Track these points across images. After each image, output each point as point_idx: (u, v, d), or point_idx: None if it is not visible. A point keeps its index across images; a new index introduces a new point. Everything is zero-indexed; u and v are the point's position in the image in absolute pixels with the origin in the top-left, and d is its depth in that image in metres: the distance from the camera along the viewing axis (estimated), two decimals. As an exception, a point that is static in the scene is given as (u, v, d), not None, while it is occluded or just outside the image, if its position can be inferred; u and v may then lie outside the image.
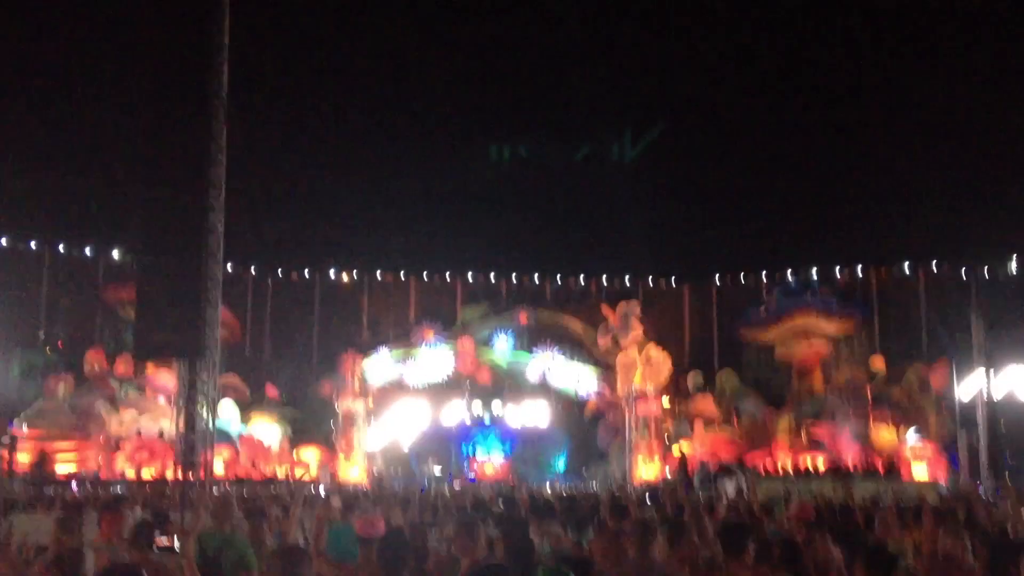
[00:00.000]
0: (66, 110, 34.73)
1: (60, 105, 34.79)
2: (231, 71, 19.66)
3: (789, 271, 35.85)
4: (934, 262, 33.51)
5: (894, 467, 29.68)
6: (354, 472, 34.20)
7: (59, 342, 34.94)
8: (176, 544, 6.22)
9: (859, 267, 34.62)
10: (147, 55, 20.43)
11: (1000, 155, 34.70)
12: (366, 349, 36.97)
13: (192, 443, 19.30)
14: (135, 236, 21.89)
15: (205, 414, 19.39)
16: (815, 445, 33.75)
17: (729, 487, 23.97)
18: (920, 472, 31.30)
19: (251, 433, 34.04)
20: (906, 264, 33.96)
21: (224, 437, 30.76)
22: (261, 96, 33.51)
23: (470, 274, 37.77)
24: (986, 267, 32.87)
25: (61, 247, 32.79)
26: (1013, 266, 32.64)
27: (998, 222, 32.96)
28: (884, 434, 33.41)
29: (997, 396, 31.85)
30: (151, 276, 19.33)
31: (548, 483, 29.73)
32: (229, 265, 27.78)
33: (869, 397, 34.85)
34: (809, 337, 36.63)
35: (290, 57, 38.35)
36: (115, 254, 33.56)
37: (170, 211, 19.18)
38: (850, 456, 32.05)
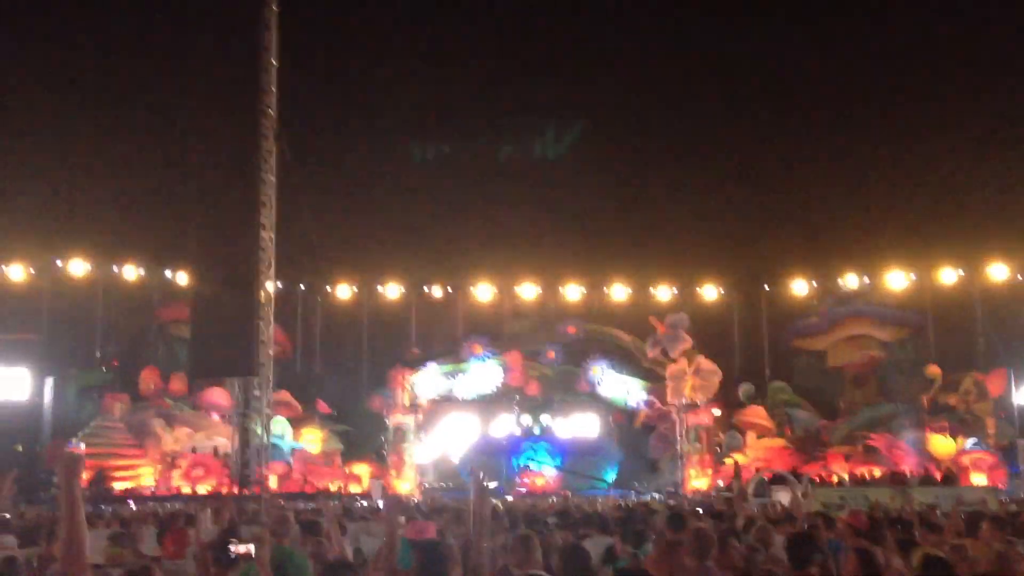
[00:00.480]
0: (117, 131, 35.42)
1: (110, 127, 35.47)
2: (280, 87, 19.96)
3: (841, 278, 35.35)
4: (989, 267, 32.85)
5: (952, 475, 29.14)
6: (405, 486, 34.32)
7: (114, 361, 35.59)
8: (253, 551, 6.30)
9: (912, 273, 34.01)
10: (196, 74, 20.79)
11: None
12: (415, 364, 37.18)
13: (247, 459, 19.52)
14: (188, 256, 22.24)
15: (260, 430, 19.60)
16: (870, 455, 33.29)
17: (784, 497, 23.65)
18: (979, 481, 30.71)
19: (304, 448, 34.30)
20: (960, 270, 33.33)
21: (277, 453, 31.12)
22: (311, 113, 33.94)
23: (516, 288, 37.78)
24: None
25: (115, 268, 33.34)
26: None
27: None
28: (941, 443, 32.83)
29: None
30: (205, 296, 19.62)
31: (600, 495, 29.60)
32: (279, 282, 28.02)
33: (926, 405, 34.36)
34: (862, 345, 36.23)
35: (339, 73, 38.76)
36: (167, 273, 34.07)
37: (222, 230, 19.47)
38: (907, 465, 31.56)
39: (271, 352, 20.28)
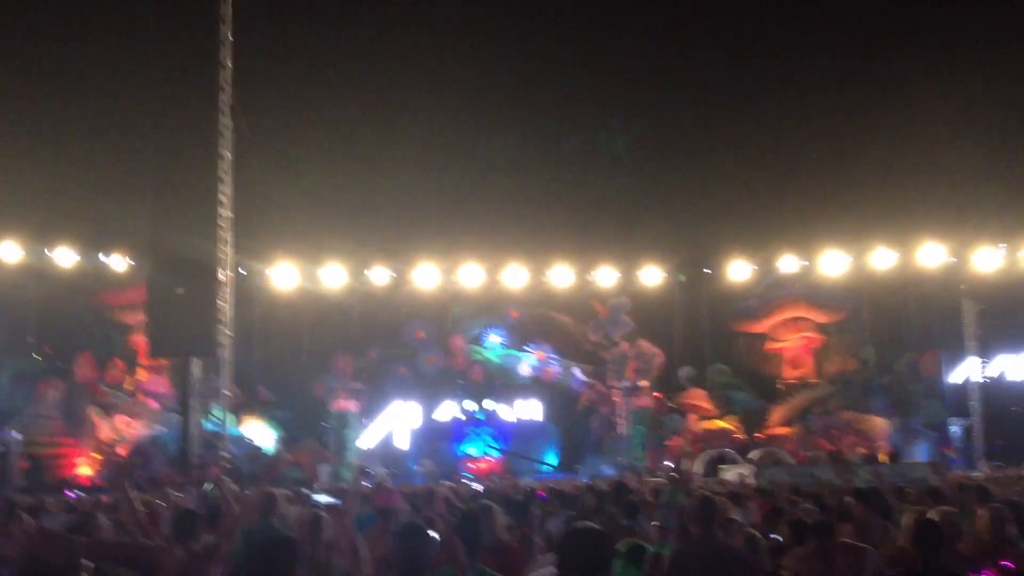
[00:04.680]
0: (51, 108, 34.41)
1: (45, 103, 34.45)
2: (235, 61, 19.57)
3: (779, 260, 35.88)
4: (922, 249, 33.61)
5: (896, 454, 29.91)
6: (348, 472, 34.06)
7: (47, 348, 34.63)
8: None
9: (848, 255, 34.63)
10: (147, 47, 20.21)
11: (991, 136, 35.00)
12: (358, 350, 36.89)
13: (202, 445, 19.22)
14: (141, 235, 21.74)
15: (220, 413, 19.31)
16: (809, 435, 33.99)
17: (730, 476, 24.07)
18: (917, 458, 31.62)
19: (244, 435, 33.79)
20: (895, 252, 34.02)
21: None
22: (270, 91, 33.38)
23: (459, 271, 37.62)
24: (974, 253, 33.04)
25: (48, 251, 32.37)
26: (1002, 252, 32.85)
27: (983, 207, 33.28)
28: (876, 422, 33.71)
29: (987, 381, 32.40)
30: (161, 274, 19.18)
31: (547, 478, 29.73)
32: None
33: (861, 386, 35.21)
34: (800, 327, 36.91)
35: (293, 46, 38.16)
36: (103, 257, 33.16)
37: (178, 208, 19.04)
38: (845, 445, 32.29)
39: (229, 333, 19.91)
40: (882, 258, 34.08)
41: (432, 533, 6.04)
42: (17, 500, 12.72)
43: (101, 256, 33.10)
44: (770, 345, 37.69)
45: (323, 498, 7.37)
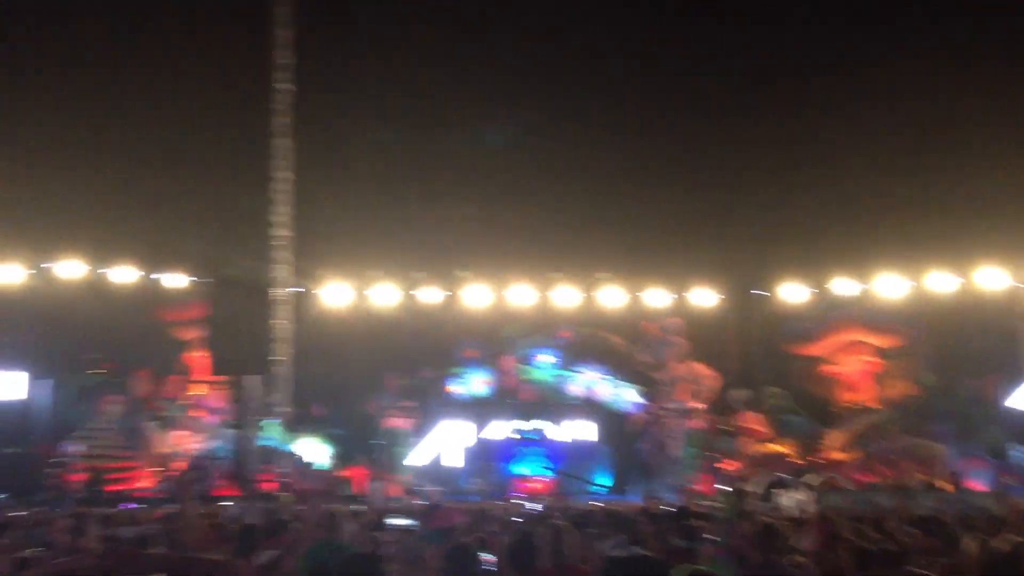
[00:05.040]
0: (113, 131, 35.14)
1: (108, 125, 35.19)
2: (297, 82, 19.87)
3: (834, 283, 35.42)
4: (983, 273, 33.00)
5: (956, 481, 29.29)
6: (400, 489, 34.16)
7: (108, 364, 35.31)
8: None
9: (907, 279, 34.11)
10: (206, 69, 20.67)
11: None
12: (410, 367, 37.04)
13: (255, 460, 19.45)
14: (199, 254, 22.19)
15: (273, 431, 19.54)
16: (867, 460, 33.42)
17: (787, 501, 23.74)
18: (976, 486, 30.92)
19: (298, 452, 34.06)
20: (955, 276, 33.46)
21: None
22: (324, 110, 33.78)
23: (510, 291, 37.64)
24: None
25: (109, 269, 33.08)
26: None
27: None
28: (937, 449, 33.06)
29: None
30: (220, 293, 19.54)
31: (600, 499, 29.54)
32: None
33: (920, 411, 34.58)
34: (859, 351, 36.35)
35: (353, 69, 38.58)
36: (163, 275, 33.79)
37: (237, 227, 19.39)
38: (903, 471, 31.68)
39: (285, 350, 20.18)
40: (941, 281, 33.52)
41: (485, 555, 6.04)
42: (85, 513, 12.94)
43: (160, 274, 33.73)
44: (827, 369, 37.15)
45: (398, 520, 7.42)
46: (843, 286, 35.14)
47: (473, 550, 5.69)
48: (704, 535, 9.64)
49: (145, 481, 31.56)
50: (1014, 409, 33.84)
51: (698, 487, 34.04)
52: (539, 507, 19.68)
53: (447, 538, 7.27)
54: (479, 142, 40.58)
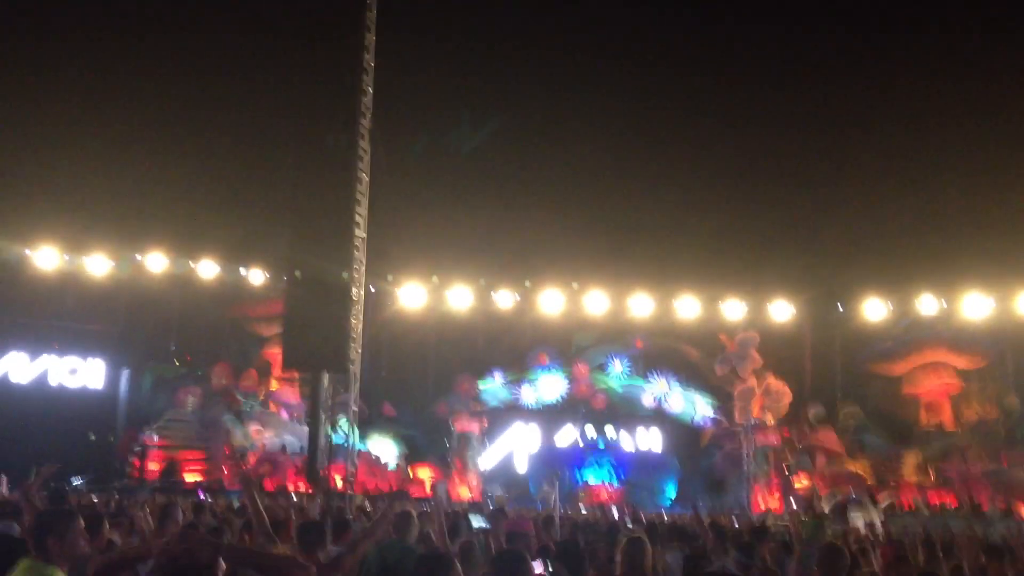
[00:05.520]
0: (201, 128, 36.05)
1: (195, 123, 36.12)
2: (376, 87, 20.17)
3: (917, 301, 34.57)
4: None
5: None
6: (466, 492, 34.34)
7: (187, 356, 36.21)
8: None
9: (992, 299, 33.10)
10: (291, 70, 21.06)
11: None
12: (481, 371, 37.19)
13: (329, 456, 19.78)
14: (280, 250, 22.59)
15: (347, 428, 19.81)
16: (944, 483, 32.55)
17: (859, 521, 23.21)
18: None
19: (368, 451, 34.46)
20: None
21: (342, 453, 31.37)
22: (404, 116, 34.22)
23: (585, 299, 37.56)
24: None
25: (192, 263, 33.86)
26: None
27: None
28: (1018, 474, 32.01)
29: None
30: (298, 289, 19.88)
31: (666, 511, 29.28)
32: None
33: (1003, 436, 33.55)
34: (939, 372, 35.46)
35: (432, 75, 39.03)
36: (243, 271, 34.48)
37: (317, 226, 19.71)
38: (982, 496, 30.79)
39: (359, 350, 20.44)
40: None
41: (536, 564, 6.03)
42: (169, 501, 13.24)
43: (241, 270, 34.42)
44: (907, 389, 36.32)
45: (478, 521, 7.48)
46: (926, 304, 34.26)
47: (523, 556, 5.66)
48: (762, 555, 9.47)
49: (220, 472, 32.22)
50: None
51: (768, 504, 33.59)
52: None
53: (520, 543, 7.25)
54: (560, 152, 40.67)
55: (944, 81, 39.52)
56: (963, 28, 39.87)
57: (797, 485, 33.98)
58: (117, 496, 20.65)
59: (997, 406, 34.77)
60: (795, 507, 28.81)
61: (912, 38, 40.38)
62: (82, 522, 5.52)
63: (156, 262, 33.14)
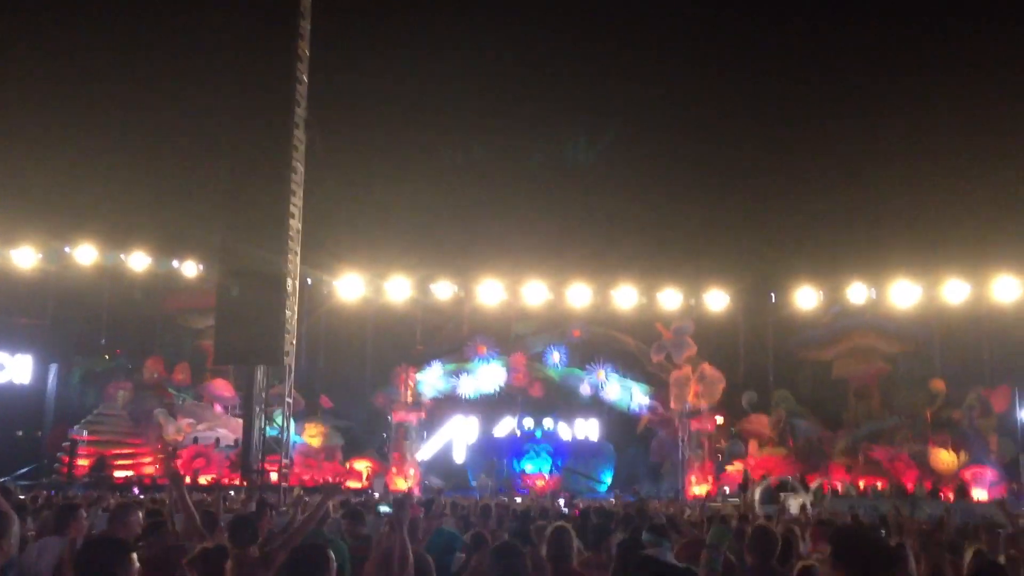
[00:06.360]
0: (130, 120, 35.36)
1: (125, 116, 35.41)
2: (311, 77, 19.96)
3: (847, 289, 35.28)
4: (996, 283, 32.74)
5: (963, 490, 29.14)
6: (405, 483, 34.27)
7: (117, 350, 35.54)
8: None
9: (919, 286, 33.90)
10: (223, 61, 20.76)
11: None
12: (419, 360, 37.10)
13: (261, 450, 19.52)
14: (214, 243, 22.25)
15: (281, 421, 19.59)
16: (872, 467, 33.29)
17: (792, 504, 23.64)
18: (981, 496, 30.73)
19: (305, 443, 34.20)
20: (967, 284, 33.19)
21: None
22: (342, 107, 33.89)
23: (523, 289, 37.65)
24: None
25: (122, 256, 33.20)
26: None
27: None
28: (943, 457, 32.87)
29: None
30: (231, 282, 19.60)
31: (600, 497, 29.54)
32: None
33: (929, 419, 34.38)
34: (867, 358, 36.22)
35: (367, 66, 38.71)
36: (175, 263, 33.93)
37: (251, 218, 19.45)
38: (908, 478, 31.57)
39: (294, 342, 20.24)
40: (954, 290, 33.26)
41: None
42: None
43: (174, 262, 33.87)
44: (836, 374, 37.05)
45: (385, 508, 7.63)
46: (856, 292, 34.95)
47: (519, 548, 5.68)
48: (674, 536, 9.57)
49: (151, 467, 31.73)
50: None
51: (702, 488, 34.05)
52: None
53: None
54: (498, 143, 40.68)
55: (875, 75, 40.43)
56: (894, 22, 40.72)
57: (730, 469, 34.50)
58: (47, 493, 20.20)
59: (924, 390, 35.61)
60: (728, 491, 29.29)
61: (845, 31, 41.12)
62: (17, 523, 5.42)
63: (85, 254, 32.43)
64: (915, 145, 38.30)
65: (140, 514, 9.14)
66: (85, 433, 31.28)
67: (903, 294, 34.24)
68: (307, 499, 18.43)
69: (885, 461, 33.15)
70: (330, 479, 32.09)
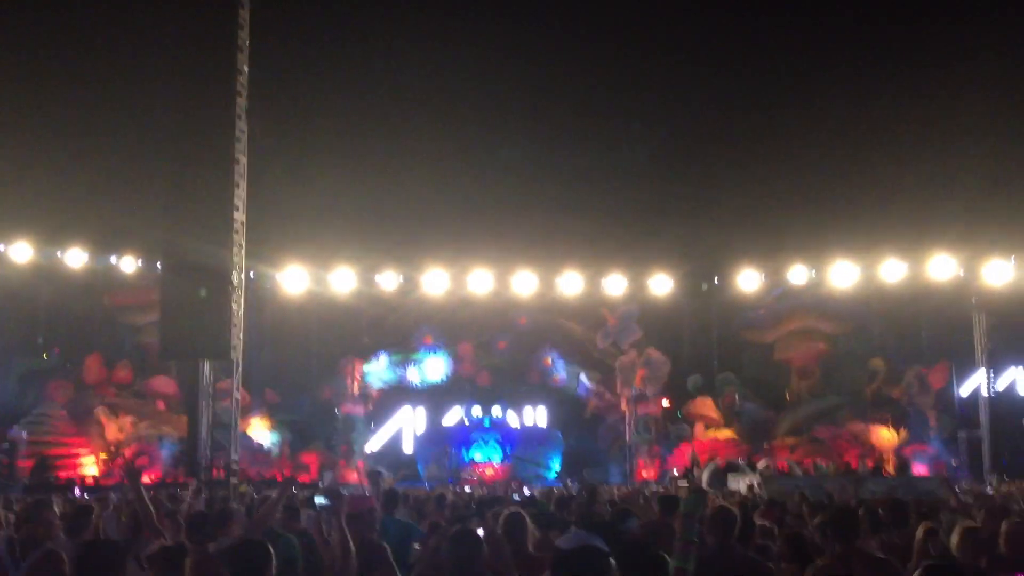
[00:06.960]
0: (63, 112, 34.49)
1: (57, 108, 34.53)
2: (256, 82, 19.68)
3: (788, 271, 35.77)
4: (933, 262, 33.43)
5: (905, 466, 29.85)
6: (354, 476, 34.08)
7: (56, 348, 34.79)
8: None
9: (858, 267, 34.49)
10: (163, 52, 20.36)
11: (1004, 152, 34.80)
12: (366, 353, 36.91)
13: (210, 446, 19.27)
14: (142, 241, 21.87)
15: (229, 417, 19.35)
16: (815, 446, 33.92)
17: (740, 485, 24.00)
18: (921, 471, 31.50)
19: (251, 438, 33.83)
20: (905, 264, 33.84)
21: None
22: (282, 98, 33.43)
23: (468, 278, 37.61)
24: (985, 266, 32.76)
25: (59, 253, 32.41)
26: (1012, 265, 32.54)
27: (996, 220, 33.07)
28: (884, 434, 33.62)
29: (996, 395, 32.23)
30: (175, 276, 19.25)
31: (550, 485, 29.67)
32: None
33: (869, 398, 35.11)
34: (808, 338, 36.83)
35: (309, 54, 38.23)
36: (113, 259, 33.21)
37: (193, 210, 19.10)
38: (850, 456, 32.22)
39: (241, 336, 19.96)
40: (892, 270, 33.89)
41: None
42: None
43: (112, 258, 33.14)
44: (779, 355, 37.61)
45: (321, 500, 7.67)
46: (797, 274, 35.45)
47: (475, 535, 5.70)
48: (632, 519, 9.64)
49: (93, 467, 31.17)
50: (962, 396, 34.46)
51: (648, 472, 34.44)
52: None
53: (360, 523, 7.41)
54: (440, 130, 40.41)
55: (812, 59, 40.89)
56: (830, 7, 41.24)
57: (676, 453, 34.91)
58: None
59: (864, 369, 36.35)
60: (675, 474, 29.59)
61: (780, 16, 41.52)
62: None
63: (20, 252, 31.58)
64: (853, 128, 38.91)
65: (56, 511, 9.11)
66: (24, 434, 30.58)
67: (842, 274, 34.80)
68: (255, 496, 18.30)
69: (828, 440, 33.83)
70: (278, 475, 31.86)
